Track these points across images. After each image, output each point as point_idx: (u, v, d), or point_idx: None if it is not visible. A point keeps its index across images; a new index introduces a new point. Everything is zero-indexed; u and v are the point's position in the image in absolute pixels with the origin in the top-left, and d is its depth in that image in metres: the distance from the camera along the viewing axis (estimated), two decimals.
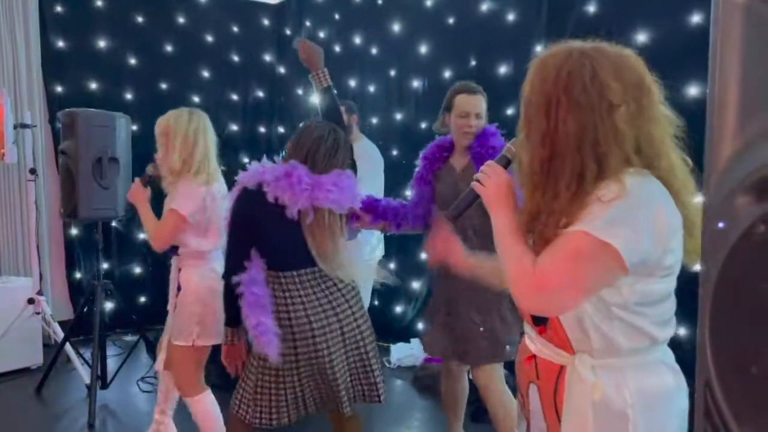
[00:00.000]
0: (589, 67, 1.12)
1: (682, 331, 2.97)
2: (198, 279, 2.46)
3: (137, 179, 2.63)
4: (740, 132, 0.90)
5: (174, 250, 2.54)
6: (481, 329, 2.43)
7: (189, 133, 2.43)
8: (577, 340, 1.18)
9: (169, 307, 2.59)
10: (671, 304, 1.20)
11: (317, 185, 1.99)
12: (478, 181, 1.28)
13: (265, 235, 2.02)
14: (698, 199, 1.12)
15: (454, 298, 2.47)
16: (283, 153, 2.17)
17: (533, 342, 1.30)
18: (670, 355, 1.24)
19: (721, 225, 0.89)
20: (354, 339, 2.12)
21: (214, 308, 2.35)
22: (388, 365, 4.20)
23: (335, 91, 2.40)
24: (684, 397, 1.21)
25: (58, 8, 4.61)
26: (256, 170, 2.03)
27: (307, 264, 2.06)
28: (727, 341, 0.89)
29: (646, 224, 1.08)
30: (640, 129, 1.13)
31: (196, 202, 2.41)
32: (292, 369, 2.04)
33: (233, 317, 2.08)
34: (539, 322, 1.26)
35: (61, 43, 4.63)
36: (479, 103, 2.44)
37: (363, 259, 3.79)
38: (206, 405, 2.52)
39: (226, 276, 2.05)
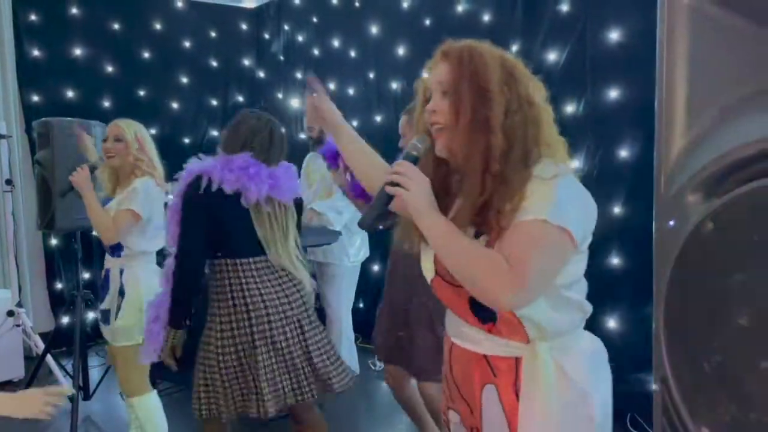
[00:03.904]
0: (520, 65, 1.20)
1: None
2: (145, 279, 2.60)
3: (85, 166, 2.67)
4: (688, 130, 0.91)
5: (114, 251, 2.62)
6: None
7: (150, 141, 2.71)
8: (532, 328, 1.19)
9: (106, 308, 2.64)
10: (585, 280, 1.27)
11: (273, 177, 2.05)
12: (392, 183, 1.19)
13: (221, 222, 2.02)
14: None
15: (416, 306, 2.47)
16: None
17: (479, 344, 1.27)
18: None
19: (671, 223, 0.90)
20: (311, 328, 2.13)
21: None
22: (373, 368, 4.20)
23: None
24: (606, 356, 1.29)
25: (33, 17, 4.56)
26: (203, 163, 2.06)
27: (260, 252, 2.09)
28: (680, 339, 0.90)
29: (582, 202, 1.15)
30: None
31: (154, 205, 2.58)
32: (250, 357, 2.02)
33: (184, 316, 2.06)
34: (486, 320, 1.23)
35: (36, 52, 4.58)
36: (401, 124, 2.64)
37: (348, 260, 3.83)
38: (151, 405, 2.65)
39: (183, 263, 2.02)
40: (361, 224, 1.22)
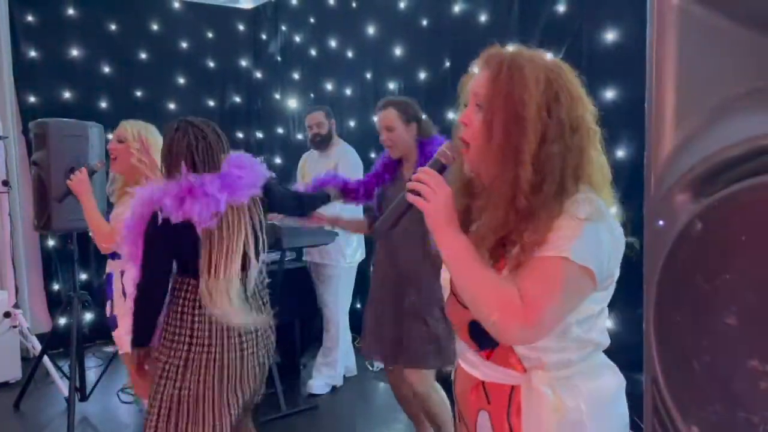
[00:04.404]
0: (570, 81, 1.10)
1: None
2: None
3: (84, 169, 2.63)
4: (677, 131, 0.92)
5: (113, 254, 2.55)
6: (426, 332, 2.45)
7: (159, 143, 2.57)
8: (530, 359, 1.14)
9: (116, 313, 2.57)
10: (606, 311, 1.21)
11: (225, 183, 1.94)
12: (414, 191, 1.11)
13: (181, 247, 1.97)
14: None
15: (407, 305, 2.48)
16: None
17: (477, 368, 1.22)
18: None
19: (660, 223, 0.90)
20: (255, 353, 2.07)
21: None
22: (370, 368, 4.20)
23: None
24: (624, 394, 1.24)
25: (29, 17, 4.56)
26: (153, 191, 1.97)
27: None
28: (670, 339, 0.90)
29: (610, 243, 1.10)
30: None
31: None
32: (179, 374, 1.97)
33: (149, 335, 2.00)
34: (485, 347, 1.18)
35: (33, 53, 4.58)
36: (386, 116, 2.53)
37: (342, 261, 3.83)
38: None
39: (145, 291, 1.97)
40: (375, 231, 1.18)
